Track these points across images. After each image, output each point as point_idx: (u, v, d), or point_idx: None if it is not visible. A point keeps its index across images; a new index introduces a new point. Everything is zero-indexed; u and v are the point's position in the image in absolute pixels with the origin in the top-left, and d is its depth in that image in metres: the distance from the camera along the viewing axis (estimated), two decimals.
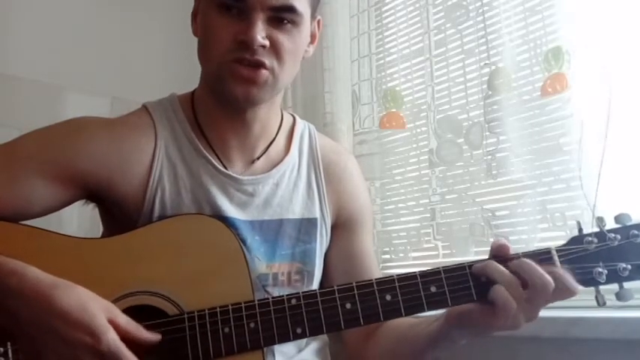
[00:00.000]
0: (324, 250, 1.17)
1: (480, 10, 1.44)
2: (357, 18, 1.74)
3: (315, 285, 1.13)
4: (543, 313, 1.25)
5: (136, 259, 0.96)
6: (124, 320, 0.86)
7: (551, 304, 1.28)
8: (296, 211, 1.13)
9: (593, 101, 1.22)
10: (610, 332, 1.13)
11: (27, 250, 0.93)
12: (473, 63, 1.47)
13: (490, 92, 1.40)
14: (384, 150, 1.66)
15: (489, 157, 1.40)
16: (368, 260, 1.19)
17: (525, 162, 1.34)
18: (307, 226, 1.13)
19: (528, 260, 0.91)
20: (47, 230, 0.97)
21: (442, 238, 1.51)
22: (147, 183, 1.05)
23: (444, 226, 1.51)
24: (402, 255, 1.60)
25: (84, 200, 1.09)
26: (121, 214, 1.06)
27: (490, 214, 1.40)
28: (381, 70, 1.71)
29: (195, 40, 1.10)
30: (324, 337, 1.18)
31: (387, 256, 1.62)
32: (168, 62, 1.99)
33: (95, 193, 1.05)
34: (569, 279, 0.90)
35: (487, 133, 1.40)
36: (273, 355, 1.04)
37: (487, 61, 1.41)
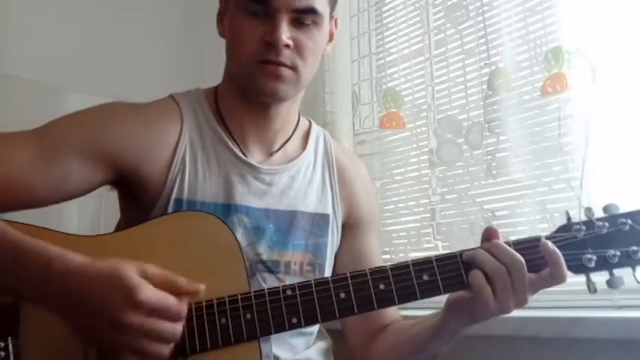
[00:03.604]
0: (335, 246, 1.19)
1: (480, 10, 1.44)
2: (357, 18, 1.75)
3: None
4: (543, 313, 1.26)
5: (134, 256, 0.96)
6: (157, 270, 0.86)
7: (551, 304, 1.30)
8: (310, 205, 1.16)
9: (593, 101, 1.22)
10: (610, 332, 1.13)
11: None
12: (473, 63, 1.47)
13: (490, 92, 1.40)
14: (384, 150, 1.67)
15: (489, 157, 1.40)
16: (375, 262, 1.20)
17: (525, 162, 1.35)
18: (320, 221, 1.16)
19: (499, 242, 0.92)
20: (46, 228, 0.97)
21: (442, 238, 1.51)
22: (170, 165, 1.08)
23: (444, 226, 1.51)
24: (402, 255, 1.60)
25: (109, 186, 1.11)
26: (142, 195, 1.08)
27: (490, 214, 1.40)
28: (381, 70, 1.71)
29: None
30: (329, 339, 1.20)
31: (387, 256, 1.62)
32: (167, 62, 1.99)
33: (123, 173, 1.07)
34: (561, 262, 0.91)
35: (487, 133, 1.40)
36: (271, 348, 1.04)
37: (487, 61, 1.41)
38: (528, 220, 1.33)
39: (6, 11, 1.79)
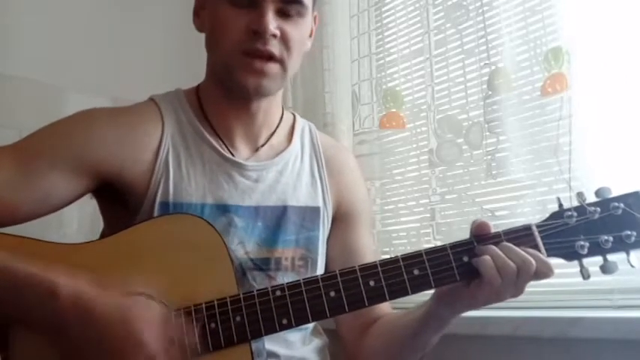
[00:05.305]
0: (326, 239, 1.19)
1: (480, 10, 1.44)
2: (357, 18, 1.74)
3: (319, 272, 1.14)
4: (543, 313, 1.26)
5: (120, 263, 0.95)
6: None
7: (550, 304, 1.30)
8: (300, 199, 1.15)
9: (593, 101, 1.22)
10: (610, 332, 1.13)
11: None
12: (473, 63, 1.47)
13: (490, 92, 1.40)
14: (384, 150, 1.66)
15: (489, 157, 1.40)
16: (367, 255, 1.19)
17: (525, 162, 1.34)
18: (311, 214, 1.15)
19: (509, 244, 0.91)
20: (33, 238, 0.96)
21: (442, 238, 1.50)
22: (153, 169, 1.07)
23: (444, 226, 1.51)
24: None
25: (90, 195, 1.10)
26: (128, 200, 1.07)
27: (490, 214, 1.40)
28: (381, 70, 1.71)
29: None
30: (324, 337, 1.19)
31: (387, 256, 1.62)
32: (168, 62, 1.99)
33: (107, 181, 1.07)
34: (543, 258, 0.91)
35: (487, 133, 1.40)
36: (263, 345, 1.04)
37: (487, 61, 1.41)
38: (528, 220, 1.31)
39: (6, 11, 1.79)
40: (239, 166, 1.11)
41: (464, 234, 1.43)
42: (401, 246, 1.61)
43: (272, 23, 1.03)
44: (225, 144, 1.12)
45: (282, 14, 1.05)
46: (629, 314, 1.16)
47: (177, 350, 0.86)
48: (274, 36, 1.04)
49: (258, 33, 1.03)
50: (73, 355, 0.87)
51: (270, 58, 1.05)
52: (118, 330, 0.84)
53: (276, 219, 1.11)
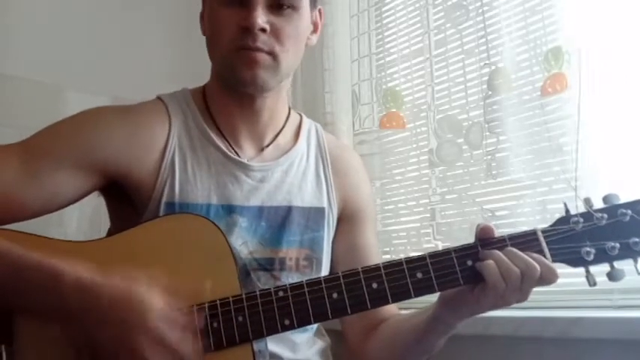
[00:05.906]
0: (331, 240, 1.19)
1: (480, 10, 1.44)
2: (357, 18, 1.75)
3: (323, 273, 1.14)
4: (543, 313, 1.26)
5: (123, 261, 0.95)
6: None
7: (551, 304, 1.30)
8: (305, 199, 1.15)
9: (593, 101, 1.22)
10: (610, 332, 1.13)
11: None
12: (473, 63, 1.47)
13: (490, 92, 1.40)
14: (384, 150, 1.67)
15: (489, 157, 1.40)
16: (372, 254, 1.19)
17: (525, 162, 1.35)
18: (316, 214, 1.15)
19: (514, 249, 0.91)
20: (36, 235, 0.96)
21: (442, 238, 1.51)
22: (159, 169, 1.07)
23: (444, 226, 1.51)
24: (402, 255, 1.59)
25: (92, 194, 1.10)
26: (134, 200, 1.08)
27: (490, 214, 1.40)
28: (381, 70, 1.71)
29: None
30: (327, 338, 1.19)
31: (387, 256, 1.62)
32: (168, 61, 1.99)
33: (114, 179, 1.07)
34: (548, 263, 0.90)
35: (487, 133, 1.40)
36: (266, 346, 1.04)
37: (487, 61, 1.41)
38: (528, 220, 1.33)
39: (6, 11, 1.79)
40: (244, 167, 1.11)
41: (464, 234, 1.44)
42: (401, 246, 1.62)
43: (260, 18, 1.03)
44: (230, 144, 1.12)
45: (275, 9, 1.06)
46: (629, 314, 1.16)
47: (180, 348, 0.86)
48: (263, 30, 1.04)
49: (248, 29, 1.04)
50: (79, 340, 0.87)
51: (260, 51, 1.05)
52: (122, 313, 0.84)
53: (280, 219, 1.11)
